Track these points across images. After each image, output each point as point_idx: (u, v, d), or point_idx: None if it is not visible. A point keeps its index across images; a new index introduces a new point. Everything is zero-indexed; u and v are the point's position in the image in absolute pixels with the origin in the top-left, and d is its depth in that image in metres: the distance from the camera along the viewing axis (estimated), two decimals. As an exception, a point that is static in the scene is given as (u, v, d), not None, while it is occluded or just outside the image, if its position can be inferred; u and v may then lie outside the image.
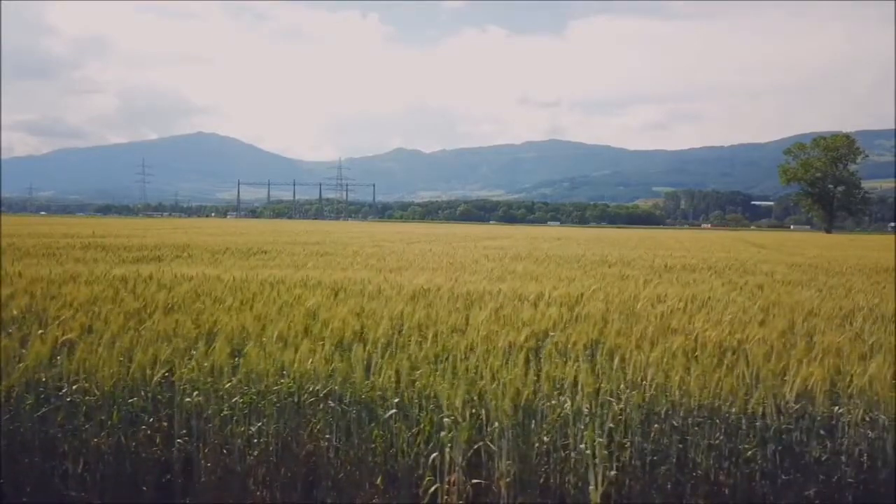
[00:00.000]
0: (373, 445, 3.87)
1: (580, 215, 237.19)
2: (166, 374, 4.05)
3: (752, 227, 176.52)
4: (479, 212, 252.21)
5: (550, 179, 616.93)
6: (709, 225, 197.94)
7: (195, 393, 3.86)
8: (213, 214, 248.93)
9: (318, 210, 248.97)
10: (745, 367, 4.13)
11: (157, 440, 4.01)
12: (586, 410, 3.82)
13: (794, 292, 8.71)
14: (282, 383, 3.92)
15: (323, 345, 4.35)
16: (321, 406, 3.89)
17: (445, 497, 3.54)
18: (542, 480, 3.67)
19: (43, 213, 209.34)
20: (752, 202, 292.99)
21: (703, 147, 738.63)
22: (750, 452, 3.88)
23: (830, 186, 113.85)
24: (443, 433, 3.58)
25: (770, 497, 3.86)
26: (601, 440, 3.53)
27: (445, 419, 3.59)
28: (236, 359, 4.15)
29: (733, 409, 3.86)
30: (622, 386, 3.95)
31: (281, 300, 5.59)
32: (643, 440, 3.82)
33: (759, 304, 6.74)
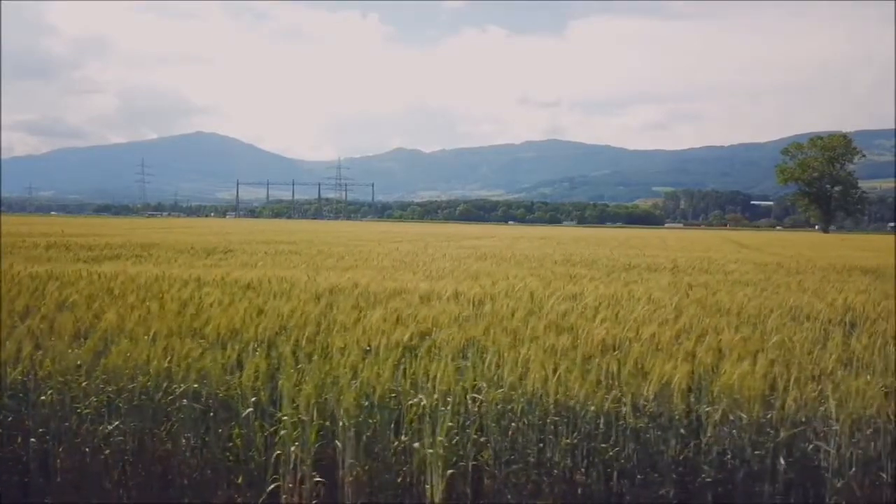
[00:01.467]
0: (230, 444, 3.84)
1: (580, 215, 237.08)
2: (29, 371, 4.02)
3: (753, 227, 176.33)
4: (479, 211, 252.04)
5: (550, 179, 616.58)
6: (726, 223, 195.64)
7: (49, 391, 3.83)
8: (212, 214, 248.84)
9: (318, 210, 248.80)
10: (615, 365, 4.10)
11: (19, 439, 3.99)
12: (443, 409, 3.79)
13: (733, 291, 8.66)
14: (139, 381, 3.88)
15: (201, 342, 4.32)
16: (177, 404, 3.86)
17: (285, 497, 3.50)
18: (388, 479, 3.64)
19: (54, 213, 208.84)
20: (752, 202, 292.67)
21: (703, 147, 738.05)
22: (610, 452, 3.85)
23: (827, 186, 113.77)
24: (283, 432, 3.54)
25: (627, 497, 3.83)
26: (441, 438, 3.50)
27: (285, 417, 3.56)
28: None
29: (591, 408, 3.83)
30: (483, 384, 3.92)
31: (182, 297, 5.55)
32: (500, 438, 3.80)
33: (677, 303, 6.70)
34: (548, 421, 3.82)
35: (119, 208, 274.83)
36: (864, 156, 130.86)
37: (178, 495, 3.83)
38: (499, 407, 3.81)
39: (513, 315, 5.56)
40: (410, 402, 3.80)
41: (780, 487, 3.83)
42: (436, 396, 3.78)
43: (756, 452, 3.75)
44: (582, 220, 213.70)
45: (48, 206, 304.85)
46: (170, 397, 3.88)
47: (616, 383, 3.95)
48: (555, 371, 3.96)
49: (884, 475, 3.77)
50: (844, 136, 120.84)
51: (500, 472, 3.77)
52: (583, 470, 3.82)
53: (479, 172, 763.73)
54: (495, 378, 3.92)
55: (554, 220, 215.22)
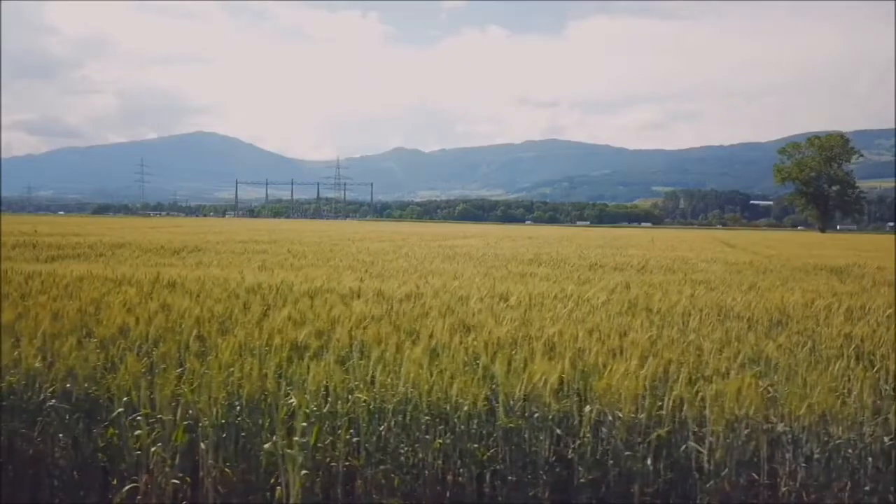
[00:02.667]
0: (102, 444, 3.80)
1: (579, 215, 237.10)
2: None
3: (752, 227, 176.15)
4: (478, 211, 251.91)
5: (550, 179, 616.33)
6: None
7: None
8: (211, 214, 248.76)
9: (317, 210, 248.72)
10: (503, 365, 4.05)
11: None
12: (314, 409, 3.75)
13: (681, 290, 8.60)
14: (6, 380, 3.84)
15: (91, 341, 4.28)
16: (47, 405, 3.82)
17: (140, 497, 3.46)
18: (250, 480, 3.60)
19: (61, 213, 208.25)
20: (751, 202, 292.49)
21: (703, 147, 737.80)
22: (483, 453, 3.81)
23: (825, 186, 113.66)
24: (139, 432, 3.50)
25: (499, 497, 3.78)
26: (297, 439, 3.45)
27: (139, 418, 3.52)
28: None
29: (465, 408, 3.79)
30: (360, 384, 3.88)
31: (93, 297, 5.51)
32: (369, 439, 3.75)
33: (604, 302, 6.66)
34: (421, 422, 3.78)
35: (118, 208, 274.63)
36: (861, 155, 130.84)
37: (47, 497, 3.79)
38: (370, 407, 3.77)
39: (426, 314, 5.52)
40: (280, 402, 3.75)
41: (655, 488, 3.79)
42: (306, 396, 3.74)
43: (627, 453, 3.71)
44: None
45: (48, 205, 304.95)
46: (41, 397, 3.83)
47: (493, 383, 3.91)
48: (434, 372, 3.92)
49: (756, 476, 3.73)
50: (842, 135, 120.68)
51: (370, 473, 3.73)
52: (457, 471, 3.78)
53: (478, 172, 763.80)
54: (369, 378, 3.87)
55: (553, 220, 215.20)
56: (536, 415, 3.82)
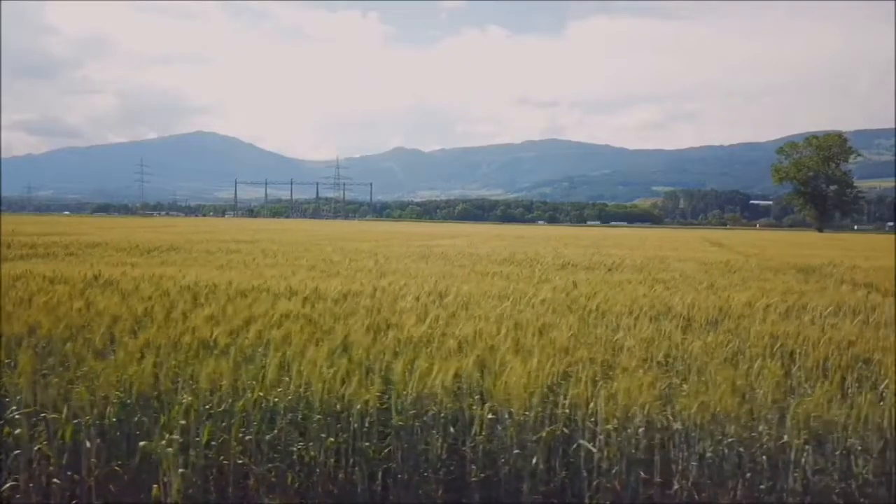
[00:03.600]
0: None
1: (578, 215, 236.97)
2: None
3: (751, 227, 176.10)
4: (478, 211, 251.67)
5: (550, 179, 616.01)
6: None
7: None
8: (211, 214, 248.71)
9: (316, 209, 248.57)
10: (400, 363, 4.04)
11: None
12: (207, 407, 3.75)
13: (637, 289, 8.59)
14: None
15: None
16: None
17: (20, 496, 3.45)
18: (132, 478, 3.59)
19: (66, 212, 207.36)
20: (751, 201, 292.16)
21: (703, 146, 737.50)
22: (375, 451, 3.80)
23: (823, 186, 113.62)
24: (18, 430, 3.50)
25: (390, 496, 3.78)
26: (175, 437, 3.45)
27: (16, 416, 3.51)
28: None
29: (357, 407, 3.78)
30: (253, 383, 3.87)
31: (16, 296, 5.51)
32: (265, 437, 3.74)
33: (543, 301, 6.65)
34: (313, 420, 3.77)
35: (118, 208, 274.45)
36: (860, 155, 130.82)
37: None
38: (262, 406, 3.76)
39: (354, 313, 5.52)
40: (173, 400, 3.74)
41: (551, 486, 3.78)
42: (200, 394, 3.73)
43: (517, 451, 3.70)
44: (580, 220, 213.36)
45: (48, 205, 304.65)
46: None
47: (384, 381, 3.90)
48: (331, 371, 3.92)
49: (645, 474, 3.72)
50: (840, 135, 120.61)
51: (263, 471, 3.72)
52: (349, 469, 3.77)
53: (478, 172, 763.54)
54: (261, 377, 3.86)
55: (553, 220, 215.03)
56: (431, 413, 3.82)
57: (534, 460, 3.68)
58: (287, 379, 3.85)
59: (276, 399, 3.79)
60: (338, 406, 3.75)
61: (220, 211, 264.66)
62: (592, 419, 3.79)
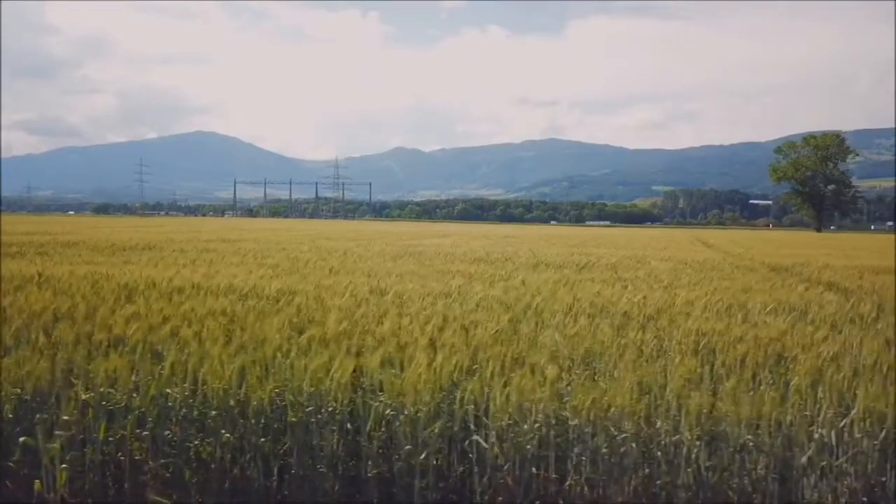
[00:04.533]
0: None
1: (578, 214, 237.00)
2: None
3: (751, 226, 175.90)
4: (477, 211, 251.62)
5: (550, 178, 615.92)
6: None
7: None
8: (210, 214, 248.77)
9: (315, 209, 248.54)
10: (299, 360, 4.05)
11: None
12: (104, 403, 3.76)
13: (591, 288, 8.59)
14: None
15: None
16: None
17: None
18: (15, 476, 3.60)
19: (71, 212, 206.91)
20: (751, 201, 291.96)
21: (703, 146, 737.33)
22: (277, 447, 3.81)
23: (821, 185, 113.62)
24: None
25: (285, 491, 3.79)
26: (61, 433, 3.46)
27: None
28: None
29: (254, 403, 3.79)
30: (149, 378, 3.89)
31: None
32: (163, 433, 3.76)
33: (479, 299, 6.67)
34: (209, 416, 3.78)
35: (118, 207, 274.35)
36: (857, 155, 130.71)
37: None
38: (159, 402, 3.78)
39: (280, 311, 5.53)
40: (69, 396, 3.75)
41: (450, 483, 3.80)
42: (97, 391, 3.75)
43: (409, 447, 3.71)
44: (580, 220, 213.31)
45: (48, 205, 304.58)
46: None
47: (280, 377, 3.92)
48: (231, 367, 3.93)
49: (538, 470, 3.73)
50: (837, 135, 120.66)
51: (158, 467, 3.73)
52: (245, 465, 3.78)
53: (478, 172, 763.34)
54: (158, 373, 3.88)
55: (552, 220, 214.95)
56: (331, 409, 3.83)
57: (427, 456, 3.69)
58: (184, 375, 3.86)
59: (176, 395, 3.80)
60: (231, 402, 3.76)
61: (220, 211, 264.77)
62: (489, 415, 3.80)
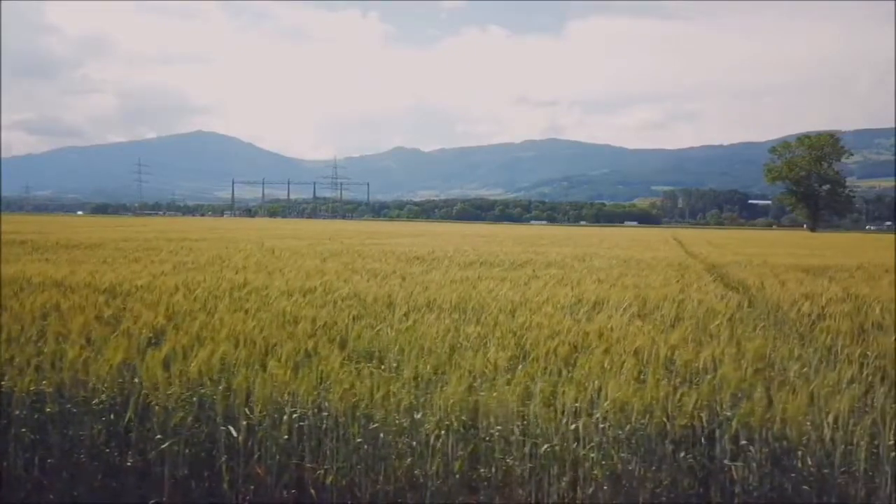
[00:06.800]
0: None
1: (577, 214, 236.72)
2: None
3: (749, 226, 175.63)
4: (476, 211, 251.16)
5: (549, 178, 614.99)
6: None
7: None
8: (209, 213, 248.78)
9: (314, 209, 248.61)
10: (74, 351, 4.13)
11: None
12: None
13: (482, 285, 8.66)
14: None
15: None
16: None
17: None
18: None
19: (80, 212, 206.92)
20: (750, 201, 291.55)
21: (702, 146, 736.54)
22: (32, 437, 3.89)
23: (815, 185, 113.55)
24: None
25: (44, 481, 3.86)
26: None
27: None
28: None
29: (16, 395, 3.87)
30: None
31: None
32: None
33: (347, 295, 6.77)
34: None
35: (117, 207, 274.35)
36: (851, 154, 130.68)
37: None
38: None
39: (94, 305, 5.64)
40: None
41: (187, 469, 3.88)
42: None
43: (158, 437, 3.78)
44: (579, 220, 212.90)
45: (47, 205, 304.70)
46: None
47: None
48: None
49: (294, 459, 3.80)
50: (832, 135, 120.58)
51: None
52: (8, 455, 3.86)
53: (478, 171, 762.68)
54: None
55: (552, 220, 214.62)
56: (94, 401, 3.91)
57: (176, 446, 3.77)
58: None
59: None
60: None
61: (219, 211, 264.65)
62: (245, 406, 3.88)
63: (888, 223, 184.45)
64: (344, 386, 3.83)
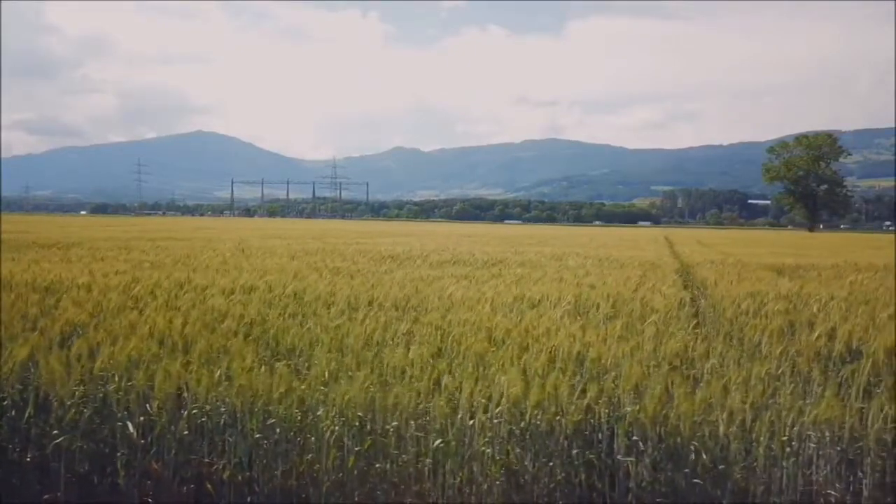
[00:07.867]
0: None
1: (576, 214, 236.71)
2: None
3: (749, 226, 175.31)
4: (476, 211, 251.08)
5: (549, 178, 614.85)
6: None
7: None
8: (209, 213, 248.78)
9: (313, 209, 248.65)
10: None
11: None
12: None
13: (437, 284, 8.69)
14: None
15: None
16: None
17: None
18: None
19: (83, 212, 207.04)
20: (749, 201, 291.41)
21: (702, 146, 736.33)
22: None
23: (813, 185, 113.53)
24: None
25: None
26: None
27: None
28: None
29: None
30: None
31: None
32: None
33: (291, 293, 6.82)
34: None
35: (116, 207, 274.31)
36: (849, 154, 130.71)
37: None
38: None
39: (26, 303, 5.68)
40: None
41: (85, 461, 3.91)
42: None
43: (55, 432, 3.82)
44: (578, 219, 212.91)
45: (47, 205, 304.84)
46: None
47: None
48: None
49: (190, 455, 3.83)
50: (829, 135, 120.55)
51: None
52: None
53: (478, 171, 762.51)
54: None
55: (551, 220, 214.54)
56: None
57: (72, 441, 3.80)
58: None
59: None
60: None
61: (219, 210, 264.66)
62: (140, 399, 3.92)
63: (887, 223, 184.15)
64: (241, 382, 3.86)
